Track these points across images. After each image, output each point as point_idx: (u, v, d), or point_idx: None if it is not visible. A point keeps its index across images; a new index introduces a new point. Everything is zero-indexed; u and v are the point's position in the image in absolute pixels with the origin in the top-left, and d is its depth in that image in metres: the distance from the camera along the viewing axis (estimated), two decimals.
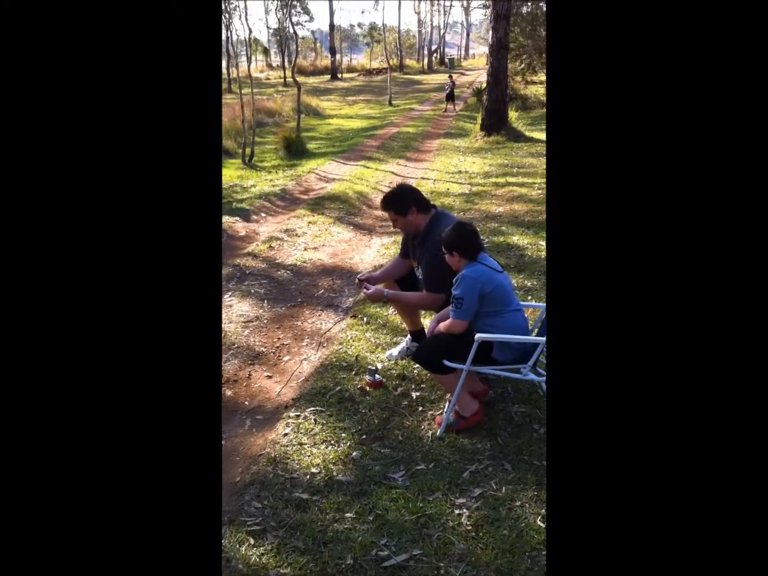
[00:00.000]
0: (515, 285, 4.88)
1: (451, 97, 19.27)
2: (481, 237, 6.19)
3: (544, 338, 2.79)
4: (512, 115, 14.11)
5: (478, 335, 2.76)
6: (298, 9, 42.62)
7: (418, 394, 3.33)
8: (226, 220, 7.63)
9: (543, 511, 2.40)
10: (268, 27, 44.14)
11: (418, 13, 45.58)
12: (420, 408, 3.21)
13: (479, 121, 13.79)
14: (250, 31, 14.62)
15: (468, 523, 2.37)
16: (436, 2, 46.98)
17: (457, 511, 2.43)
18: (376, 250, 6.33)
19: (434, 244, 3.18)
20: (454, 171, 10.14)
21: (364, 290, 3.42)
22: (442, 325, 2.96)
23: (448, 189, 8.67)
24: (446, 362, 2.87)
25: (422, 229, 3.33)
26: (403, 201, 3.34)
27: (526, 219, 6.84)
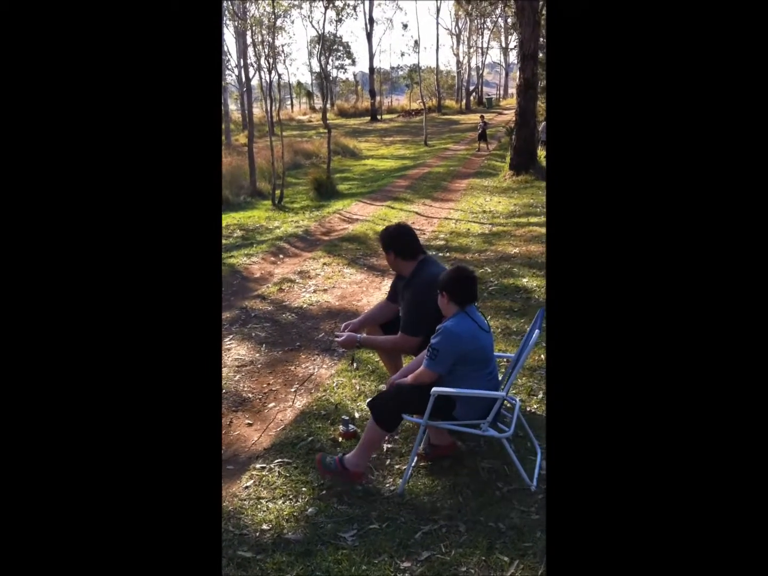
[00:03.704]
0: (515, 329, 4.75)
1: (483, 137, 19.30)
2: (490, 280, 6.18)
3: (503, 393, 2.67)
4: (541, 154, 14.00)
5: (434, 389, 2.65)
6: (341, 53, 43.75)
7: (389, 446, 3.22)
8: (243, 261, 7.71)
9: None
10: (311, 71, 45.18)
11: (457, 55, 46.14)
12: (388, 461, 3.09)
13: (508, 160, 13.74)
14: (279, 76, 14.88)
15: None
16: (474, 44, 47.48)
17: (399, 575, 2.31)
18: (385, 293, 6.25)
19: (418, 287, 3.11)
20: (478, 211, 10.07)
21: (336, 338, 3.34)
22: (411, 375, 2.86)
23: (468, 229, 8.59)
24: (405, 415, 2.76)
25: (409, 273, 3.26)
26: (387, 241, 3.31)
27: (540, 260, 6.69)
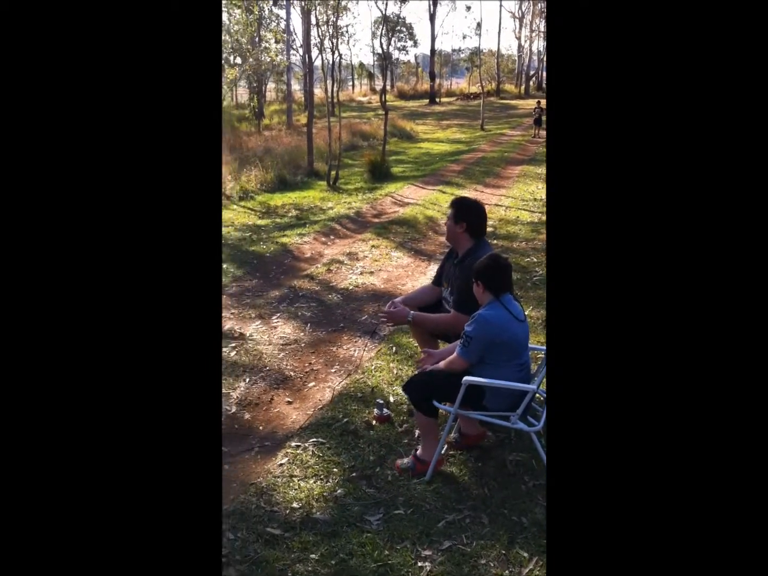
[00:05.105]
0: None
1: (539, 123, 18.94)
2: (536, 270, 6.10)
3: (535, 386, 2.66)
4: None
5: (465, 378, 2.67)
6: (404, 34, 43.43)
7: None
8: (295, 241, 7.82)
9: (506, 573, 2.28)
10: (373, 52, 44.94)
11: (519, 38, 45.26)
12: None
13: None
14: (341, 56, 14.84)
15: None
16: (536, 27, 46.26)
17: (420, 564, 2.35)
18: (431, 278, 6.26)
19: (472, 267, 3.11)
20: (529, 198, 9.93)
21: (389, 308, 3.34)
22: (443, 361, 2.88)
23: (517, 217, 8.49)
24: (435, 403, 2.79)
25: (464, 250, 3.25)
26: (464, 211, 3.26)
27: None
